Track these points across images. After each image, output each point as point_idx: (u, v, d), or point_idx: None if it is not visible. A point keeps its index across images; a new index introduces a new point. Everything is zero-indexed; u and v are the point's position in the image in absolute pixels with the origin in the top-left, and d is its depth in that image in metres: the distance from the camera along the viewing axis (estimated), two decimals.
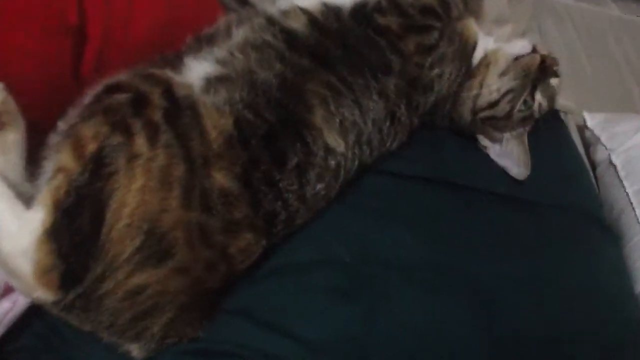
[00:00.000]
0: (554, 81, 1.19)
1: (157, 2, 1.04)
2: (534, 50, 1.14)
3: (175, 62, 0.97)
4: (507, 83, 1.13)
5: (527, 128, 1.19)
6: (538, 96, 1.16)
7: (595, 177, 1.42)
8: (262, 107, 0.92)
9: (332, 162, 0.98)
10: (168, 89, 0.84)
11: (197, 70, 0.96)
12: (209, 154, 0.85)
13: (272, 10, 1.07)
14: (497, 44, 1.19)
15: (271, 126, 0.92)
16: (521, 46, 1.15)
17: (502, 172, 1.18)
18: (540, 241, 1.12)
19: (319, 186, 0.96)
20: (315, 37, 1.03)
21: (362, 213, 1.05)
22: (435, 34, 1.12)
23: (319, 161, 0.95)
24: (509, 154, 1.18)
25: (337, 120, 0.98)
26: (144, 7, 1.02)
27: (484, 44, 1.20)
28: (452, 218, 1.09)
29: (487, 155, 1.20)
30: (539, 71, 1.13)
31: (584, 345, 1.00)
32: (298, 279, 0.96)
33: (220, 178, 0.85)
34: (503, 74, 1.14)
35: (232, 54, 0.98)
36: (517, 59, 1.15)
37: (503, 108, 1.15)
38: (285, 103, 0.94)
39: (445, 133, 1.22)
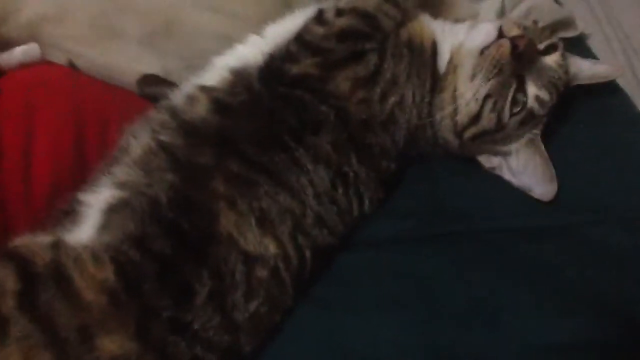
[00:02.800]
0: (551, 59, 0.87)
1: (60, 143, 0.93)
2: (501, 34, 0.84)
3: (73, 205, 0.86)
4: (481, 87, 0.84)
5: (538, 130, 0.89)
6: (531, 88, 0.85)
7: None
8: (152, 239, 0.76)
9: (263, 272, 0.78)
10: (25, 265, 0.72)
11: (95, 205, 0.84)
12: (89, 322, 0.71)
13: (177, 99, 0.91)
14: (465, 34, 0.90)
15: (165, 260, 0.75)
16: (483, 34, 0.85)
17: (521, 197, 0.89)
18: (590, 276, 0.81)
19: (254, 305, 0.78)
20: (217, 120, 0.85)
21: (332, 311, 0.83)
22: (372, 57, 0.88)
23: (240, 279, 0.77)
24: (525, 170, 0.89)
25: (254, 218, 0.79)
26: (44, 156, 0.92)
27: (451, 41, 0.92)
28: (451, 282, 0.82)
29: (498, 179, 0.92)
30: (516, 59, 0.83)
31: None
32: None
33: (110, 345, 0.71)
34: (473, 76, 0.86)
35: (127, 172, 0.84)
36: (482, 52, 0.85)
37: (489, 119, 0.86)
38: (179, 223, 0.77)
39: (438, 162, 0.96)
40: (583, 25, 1.10)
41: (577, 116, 0.95)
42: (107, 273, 0.74)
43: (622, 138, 0.96)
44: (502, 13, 1.00)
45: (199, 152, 0.82)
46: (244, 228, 0.78)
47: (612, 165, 0.91)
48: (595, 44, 1.15)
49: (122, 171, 0.84)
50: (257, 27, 0.98)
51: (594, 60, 0.96)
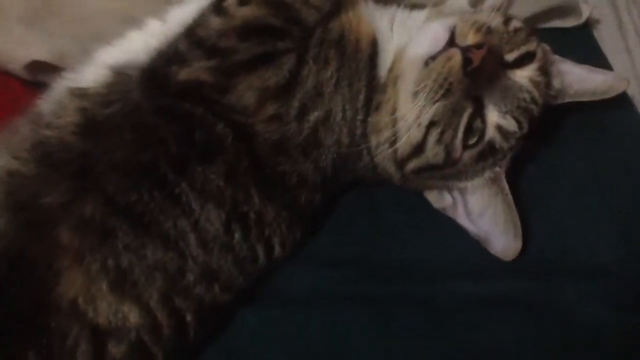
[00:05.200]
0: (523, 74, 0.64)
1: None
2: (452, 40, 0.61)
3: None
4: (424, 110, 0.62)
5: (502, 167, 0.67)
6: (492, 114, 0.63)
7: None
8: None
9: (120, 349, 0.60)
10: None
11: None
12: None
13: (46, 105, 0.71)
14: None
15: None
16: (429, 39, 0.63)
17: (478, 251, 0.68)
18: None
19: None
20: (78, 143, 0.65)
21: None
22: (288, 61, 0.66)
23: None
24: (483, 214, 0.68)
25: (106, 281, 0.60)
26: None
27: (398, 40, 0.69)
28: None
29: (452, 222, 0.71)
30: (470, 77, 0.61)
31: None
32: None
33: None
34: (416, 94, 0.64)
35: None
36: (427, 63, 0.63)
37: (434, 152, 0.64)
38: (6, 284, 0.59)
39: (381, 191, 0.75)
40: (589, 9, 0.86)
41: (562, 136, 0.74)
42: None
43: (623, 169, 0.74)
44: None
45: (49, 187, 0.63)
46: (93, 294, 0.60)
47: (608, 212, 0.70)
48: (605, 31, 0.91)
49: None
50: (163, 5, 0.78)
51: (589, 68, 0.72)
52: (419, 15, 0.72)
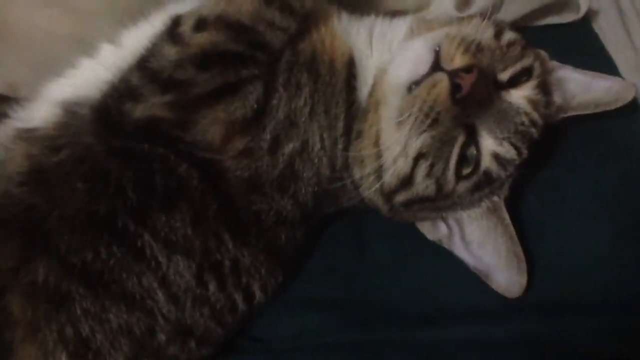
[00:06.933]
0: (519, 95, 0.57)
1: None
2: (437, 62, 0.54)
3: None
4: (410, 141, 0.55)
5: (501, 196, 0.60)
6: (487, 142, 0.56)
7: None
8: None
9: None
10: None
11: None
12: None
13: None
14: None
15: None
16: (410, 62, 0.55)
17: (479, 286, 0.62)
18: None
19: None
20: (25, 195, 0.58)
21: None
22: (254, 89, 0.59)
23: None
24: (483, 245, 0.61)
25: (65, 353, 0.54)
26: None
27: (378, 56, 0.62)
28: None
29: (448, 254, 0.64)
30: (459, 105, 0.54)
31: None
32: None
33: None
34: (401, 123, 0.57)
35: None
36: (410, 89, 0.56)
37: (424, 185, 0.58)
38: None
39: (369, 220, 0.69)
40: (587, 1, 0.78)
41: (565, 155, 0.67)
42: None
43: (635, 187, 0.66)
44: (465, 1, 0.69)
45: None
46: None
47: (618, 240, 0.63)
48: (606, 24, 0.83)
49: None
50: (118, 26, 0.70)
51: (592, 74, 0.65)
52: (401, 25, 0.64)
